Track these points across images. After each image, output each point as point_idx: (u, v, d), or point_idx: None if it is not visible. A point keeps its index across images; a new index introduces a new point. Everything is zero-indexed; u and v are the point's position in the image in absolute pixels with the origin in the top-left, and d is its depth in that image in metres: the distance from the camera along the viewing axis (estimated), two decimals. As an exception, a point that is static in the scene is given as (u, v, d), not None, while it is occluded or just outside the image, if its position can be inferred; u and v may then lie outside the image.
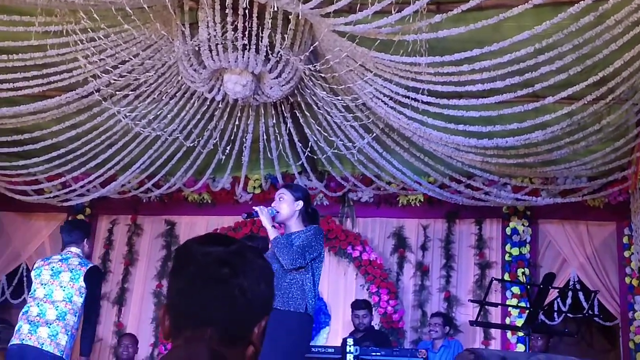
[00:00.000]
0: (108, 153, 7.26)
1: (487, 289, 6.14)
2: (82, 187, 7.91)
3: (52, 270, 5.40)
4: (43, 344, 5.20)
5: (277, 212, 4.67)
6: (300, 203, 4.72)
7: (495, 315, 7.83)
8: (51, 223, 8.89)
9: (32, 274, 5.52)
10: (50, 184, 7.95)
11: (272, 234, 4.59)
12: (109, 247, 8.83)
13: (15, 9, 5.58)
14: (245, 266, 1.55)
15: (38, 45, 5.78)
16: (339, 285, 8.32)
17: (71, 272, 5.39)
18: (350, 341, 5.54)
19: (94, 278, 5.48)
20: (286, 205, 4.70)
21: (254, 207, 4.71)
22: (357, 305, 7.42)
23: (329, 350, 5.82)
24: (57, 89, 6.28)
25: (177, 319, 1.55)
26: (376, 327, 7.61)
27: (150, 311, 8.52)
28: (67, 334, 5.29)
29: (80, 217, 8.68)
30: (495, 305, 7.31)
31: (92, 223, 8.79)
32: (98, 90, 6.32)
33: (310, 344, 7.55)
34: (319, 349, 5.92)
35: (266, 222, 4.60)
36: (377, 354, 5.65)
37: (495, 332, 7.84)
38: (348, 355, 5.49)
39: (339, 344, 6.21)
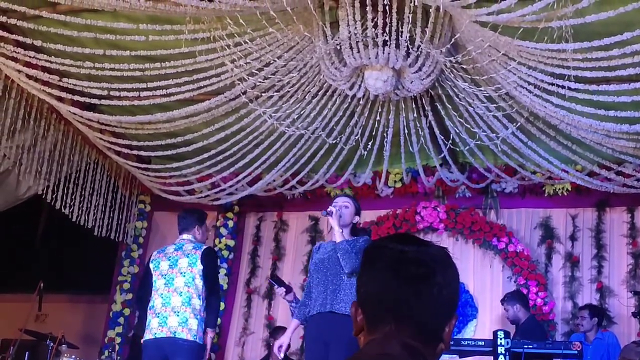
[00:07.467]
0: (255, 153, 7.48)
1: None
2: (230, 186, 8.18)
3: (170, 260, 5.54)
4: (175, 332, 5.30)
5: (341, 216, 4.99)
6: (358, 218, 5.12)
7: (651, 305, 7.50)
8: (202, 221, 9.25)
9: (151, 266, 5.62)
10: (202, 184, 8.29)
11: (339, 237, 4.91)
12: (257, 243, 9.10)
13: (165, 18, 5.89)
14: (440, 266, 1.58)
15: (188, 52, 6.05)
16: (485, 278, 8.22)
17: (187, 257, 5.53)
18: (501, 334, 5.44)
19: (209, 258, 5.63)
20: (349, 214, 5.05)
21: (330, 207, 4.98)
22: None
23: (479, 342, 5.74)
24: (206, 94, 6.57)
25: (374, 314, 1.58)
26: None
27: (299, 305, 8.66)
28: (197, 318, 5.37)
29: (229, 214, 9.02)
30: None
31: (241, 220, 9.14)
32: (244, 93, 6.54)
33: (458, 337, 7.56)
34: (469, 342, 5.83)
35: (336, 224, 4.92)
36: (530, 346, 5.51)
37: (652, 324, 7.51)
38: (499, 347, 5.40)
39: (486, 337, 6.15)
